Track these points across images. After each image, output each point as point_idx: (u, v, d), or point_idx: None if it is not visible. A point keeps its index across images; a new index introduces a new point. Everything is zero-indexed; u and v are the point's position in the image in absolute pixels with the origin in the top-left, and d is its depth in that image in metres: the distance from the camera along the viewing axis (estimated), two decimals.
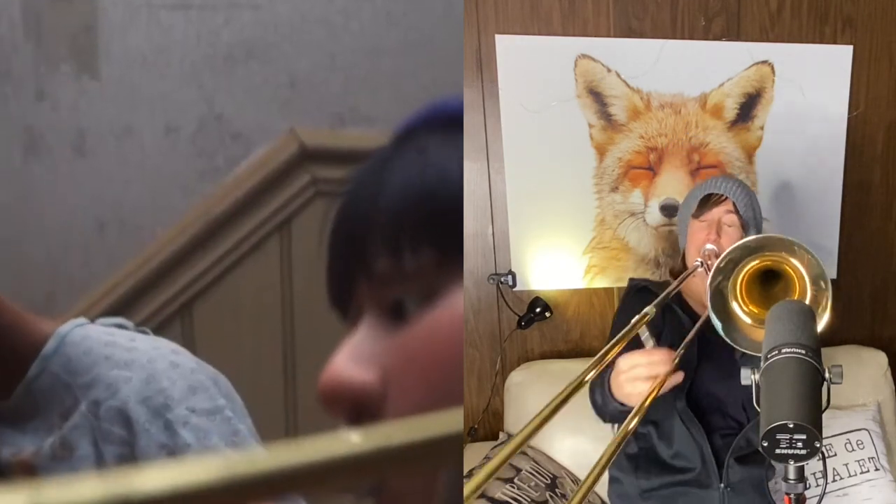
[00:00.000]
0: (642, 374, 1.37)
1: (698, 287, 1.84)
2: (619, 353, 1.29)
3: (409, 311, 0.54)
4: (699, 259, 1.78)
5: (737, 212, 1.84)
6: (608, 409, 1.55)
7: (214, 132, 2.55)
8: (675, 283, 1.65)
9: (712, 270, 1.39)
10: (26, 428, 1.10)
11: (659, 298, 1.45)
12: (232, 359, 1.93)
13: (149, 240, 2.20)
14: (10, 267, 2.45)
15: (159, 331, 1.59)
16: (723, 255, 1.38)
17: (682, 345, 1.43)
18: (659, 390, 1.32)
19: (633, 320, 1.32)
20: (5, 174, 2.49)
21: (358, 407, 0.53)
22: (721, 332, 1.37)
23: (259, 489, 0.33)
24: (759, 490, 1.83)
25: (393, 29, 2.58)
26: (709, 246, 1.79)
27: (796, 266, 1.37)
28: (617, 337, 1.21)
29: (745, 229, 1.85)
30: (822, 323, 1.27)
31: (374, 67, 2.57)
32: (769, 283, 1.45)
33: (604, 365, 1.12)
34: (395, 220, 0.54)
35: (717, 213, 1.85)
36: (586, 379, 0.98)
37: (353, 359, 0.54)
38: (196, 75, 2.55)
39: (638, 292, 1.93)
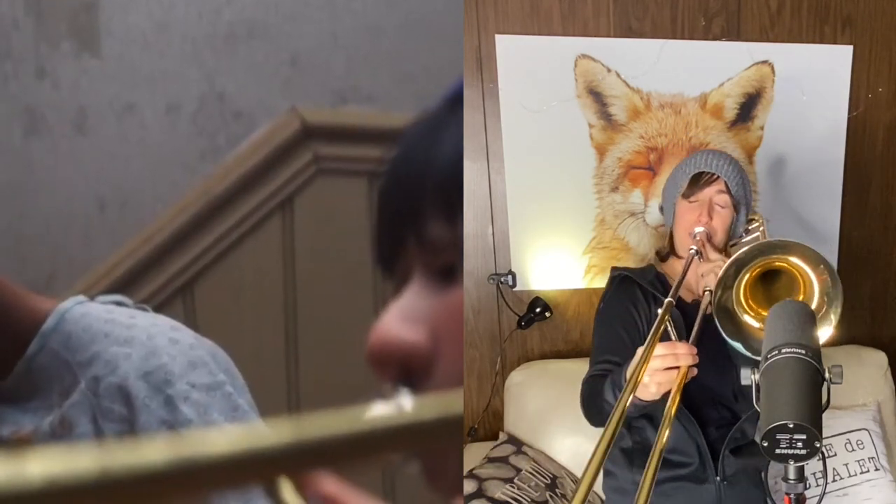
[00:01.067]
0: (665, 364, 1.34)
1: (688, 273, 1.84)
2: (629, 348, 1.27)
3: (459, 274, 0.53)
4: (694, 247, 1.73)
5: (729, 192, 1.79)
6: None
7: (216, 111, 2.55)
8: (679, 277, 1.62)
9: (715, 287, 1.36)
10: (26, 406, 1.10)
11: (673, 289, 1.45)
12: (234, 337, 1.93)
13: (150, 219, 2.19)
14: (10, 246, 2.44)
15: (161, 310, 1.58)
16: (728, 263, 1.35)
17: (692, 338, 1.41)
18: (682, 382, 1.30)
19: (660, 313, 1.32)
20: (5, 153, 2.48)
21: (407, 367, 0.52)
22: (743, 351, 1.36)
23: (311, 458, 0.34)
24: (754, 481, 1.80)
25: (394, 9, 2.58)
26: (699, 228, 1.75)
27: (803, 268, 1.36)
28: (652, 331, 1.20)
29: (736, 209, 1.82)
30: (824, 336, 1.28)
31: (375, 47, 2.57)
32: (771, 282, 1.44)
33: (643, 369, 1.10)
34: (450, 185, 0.53)
35: (708, 192, 1.80)
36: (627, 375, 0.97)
37: (402, 319, 0.53)
38: (197, 54, 2.54)
39: (621, 282, 1.88)
